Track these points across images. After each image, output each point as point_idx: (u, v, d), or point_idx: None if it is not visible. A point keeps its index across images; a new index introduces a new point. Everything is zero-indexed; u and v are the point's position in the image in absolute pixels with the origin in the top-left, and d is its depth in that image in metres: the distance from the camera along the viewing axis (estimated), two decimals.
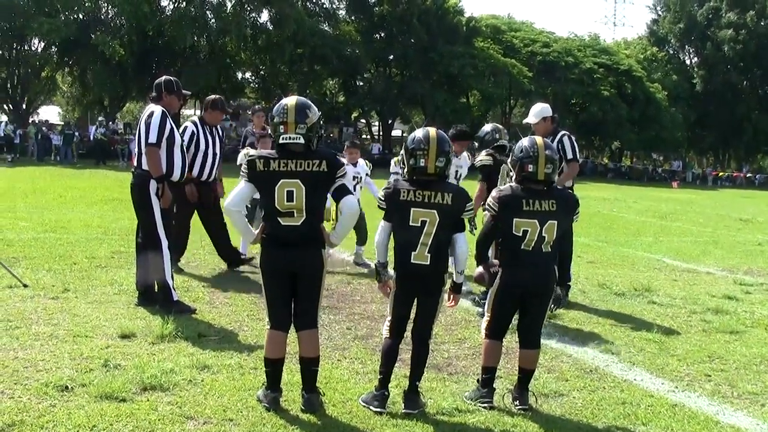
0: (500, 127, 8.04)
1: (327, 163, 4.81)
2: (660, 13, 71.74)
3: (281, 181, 4.75)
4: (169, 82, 7.64)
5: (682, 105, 62.38)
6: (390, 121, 55.84)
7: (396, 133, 59.59)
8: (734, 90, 64.88)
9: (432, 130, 5.09)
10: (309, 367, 4.91)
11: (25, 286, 7.89)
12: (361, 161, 10.52)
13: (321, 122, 4.96)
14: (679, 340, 7.40)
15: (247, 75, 54.43)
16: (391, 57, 53.85)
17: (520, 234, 5.12)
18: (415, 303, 5.19)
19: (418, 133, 5.12)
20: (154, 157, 7.24)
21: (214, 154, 9.34)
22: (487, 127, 8.04)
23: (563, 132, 8.63)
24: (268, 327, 4.97)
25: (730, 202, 33.28)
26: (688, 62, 71.48)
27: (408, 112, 57.22)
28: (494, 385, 5.37)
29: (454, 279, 5.18)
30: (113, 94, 45.72)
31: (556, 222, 5.14)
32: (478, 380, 5.44)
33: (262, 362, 5.57)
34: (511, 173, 5.46)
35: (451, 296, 5.22)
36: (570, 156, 8.52)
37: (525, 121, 8.85)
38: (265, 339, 5.00)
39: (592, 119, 55.36)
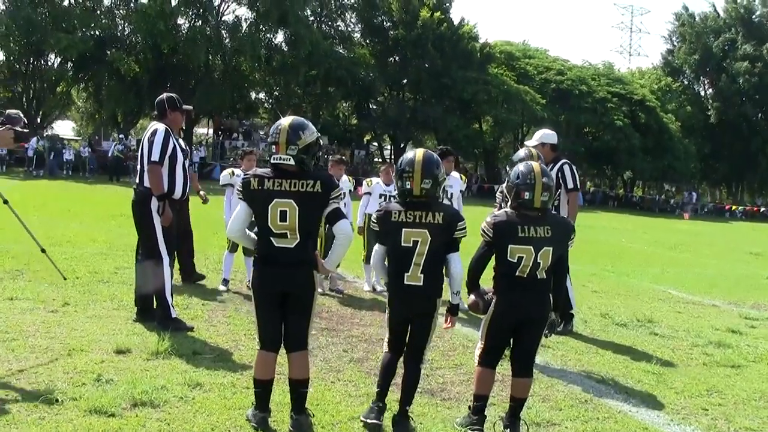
0: (534, 151, 7.95)
1: (321, 184, 4.79)
2: (675, 43, 71.85)
3: (275, 200, 4.74)
4: (171, 99, 7.67)
5: (695, 136, 62.40)
6: (402, 145, 55.94)
7: None
8: (749, 122, 64.74)
9: (419, 152, 5.13)
10: (297, 389, 4.89)
11: (65, 278, 8.13)
12: (344, 177, 10.51)
13: (320, 143, 4.95)
14: (678, 372, 7.33)
15: (261, 95, 54.68)
16: (405, 81, 54.07)
17: (515, 260, 5.06)
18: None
19: (408, 154, 5.16)
20: (157, 174, 7.26)
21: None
22: (521, 152, 7.99)
23: (564, 161, 8.61)
24: (258, 347, 4.95)
25: (741, 235, 33.13)
26: (702, 93, 71.42)
27: (420, 136, 57.36)
28: (486, 413, 5.31)
29: (450, 300, 5.16)
30: (127, 110, 46.11)
31: (551, 248, 5.09)
32: (469, 407, 5.38)
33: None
34: (506, 198, 5.44)
35: (448, 318, 5.20)
36: (570, 185, 8.50)
37: (526, 142, 8.83)
38: (255, 359, 4.98)
39: (604, 148, 55.35)
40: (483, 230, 5.19)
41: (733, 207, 59.47)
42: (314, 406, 5.23)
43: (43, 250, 7.83)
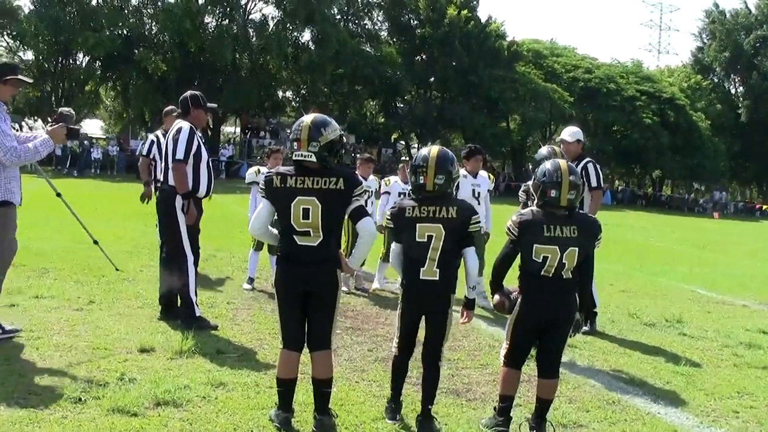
0: (557, 149, 7.83)
1: (344, 182, 4.74)
2: (705, 41, 71.22)
3: (297, 198, 4.71)
4: (194, 96, 7.62)
5: (725, 135, 61.77)
6: (429, 144, 55.79)
7: None
8: None
9: (435, 149, 5.13)
10: (321, 388, 4.84)
11: (117, 270, 8.08)
12: (372, 177, 10.47)
13: (343, 140, 4.90)
14: (708, 373, 7.20)
15: (288, 94, 54.80)
16: (432, 79, 54.00)
17: (540, 260, 4.99)
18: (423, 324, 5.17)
19: (423, 150, 5.17)
20: (181, 173, 7.23)
21: None
22: (544, 150, 7.89)
23: (588, 159, 8.50)
24: (281, 346, 4.92)
25: None
26: (733, 91, 70.70)
27: (447, 134, 57.25)
28: (511, 414, 5.25)
29: (467, 294, 5.14)
30: (155, 109, 46.27)
31: (576, 249, 5.00)
32: (495, 408, 5.32)
33: None
34: (532, 197, 5.36)
35: (464, 313, 5.17)
36: (594, 184, 8.40)
37: (558, 138, 8.73)
38: (279, 359, 4.94)
39: (633, 146, 54.95)
40: (508, 229, 5.13)
41: (764, 206, 58.79)
42: (338, 406, 5.18)
43: (95, 242, 7.82)
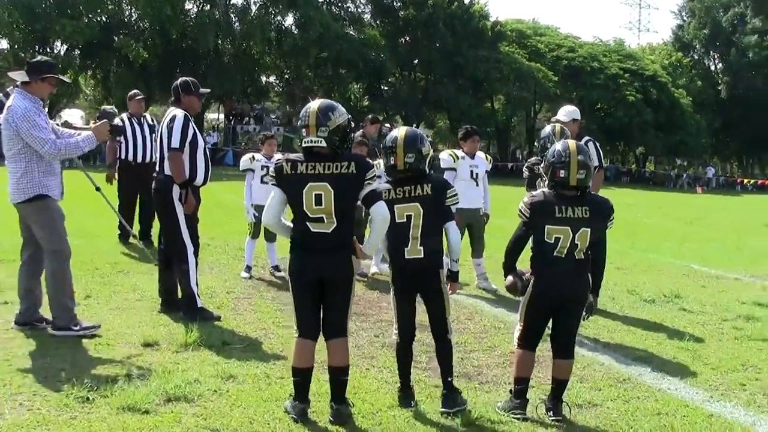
0: (558, 126, 7.76)
1: (356, 166, 4.70)
2: (685, 18, 71.25)
3: (309, 184, 4.65)
4: (185, 83, 7.49)
5: (706, 111, 61.89)
6: (414, 125, 55.71)
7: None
8: (759, 96, 64.07)
9: (403, 129, 5.21)
10: (338, 377, 4.78)
11: (156, 265, 7.92)
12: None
13: (351, 125, 4.85)
14: (711, 348, 7.22)
15: (272, 79, 54.45)
16: (416, 61, 53.69)
17: (552, 241, 5.00)
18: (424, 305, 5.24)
19: (393, 132, 5.23)
20: (178, 161, 7.10)
21: (143, 137, 11.16)
22: (548, 128, 7.81)
23: (588, 138, 8.43)
24: (296, 335, 4.84)
25: (755, 209, 32.80)
26: (713, 68, 70.88)
27: (432, 116, 57.09)
28: (527, 396, 5.24)
29: (450, 267, 5.23)
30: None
31: (589, 229, 5.01)
32: (510, 390, 5.31)
33: (288, 371, 5.46)
34: (544, 178, 5.33)
35: (449, 284, 5.24)
36: (595, 163, 8.35)
37: (554, 118, 8.68)
38: (293, 348, 4.86)
39: (617, 124, 54.92)
40: (520, 211, 5.14)
41: (745, 180, 59.08)
42: (351, 395, 5.10)
43: (134, 236, 7.68)
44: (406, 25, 52.75)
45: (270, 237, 9.91)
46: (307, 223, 4.70)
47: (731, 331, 7.94)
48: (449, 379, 5.14)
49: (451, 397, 5.09)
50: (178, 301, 7.37)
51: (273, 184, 4.78)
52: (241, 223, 14.13)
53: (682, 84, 61.07)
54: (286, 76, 52.70)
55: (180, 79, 7.54)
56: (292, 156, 4.77)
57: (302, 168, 4.67)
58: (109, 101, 48.72)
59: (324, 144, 4.67)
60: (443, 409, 5.04)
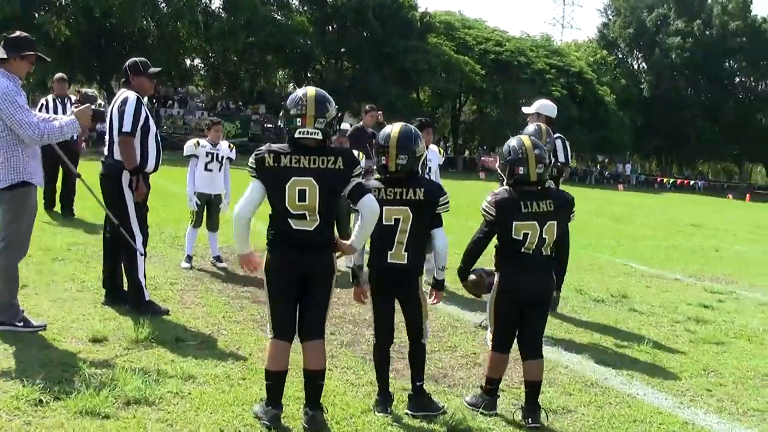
0: (543, 128, 7.59)
1: (343, 161, 4.39)
2: (610, 17, 72.51)
3: (293, 179, 4.32)
4: (134, 63, 7.04)
5: (629, 109, 63.09)
6: (340, 114, 55.38)
7: (345, 126, 58.99)
8: (680, 97, 65.90)
9: (397, 127, 4.91)
10: (315, 381, 4.51)
11: (143, 255, 7.05)
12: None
13: (338, 116, 4.55)
14: (670, 351, 7.21)
15: (197, 62, 53.43)
16: (344, 49, 53.40)
17: (521, 237, 4.91)
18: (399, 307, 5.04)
19: (386, 129, 4.95)
20: (129, 147, 6.68)
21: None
22: (530, 128, 7.63)
23: (558, 135, 8.34)
24: (271, 336, 4.53)
25: (676, 207, 33.55)
26: (636, 67, 72.34)
27: (359, 105, 56.78)
28: (498, 393, 5.22)
29: (435, 276, 5.02)
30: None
31: (555, 222, 4.97)
32: (481, 386, 5.24)
33: (249, 371, 5.23)
34: (501, 177, 5.20)
35: (434, 293, 5.06)
36: (562, 159, 8.31)
37: (524, 109, 8.59)
38: (267, 349, 4.55)
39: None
40: (484, 210, 5.01)
41: (665, 179, 60.47)
42: None
43: (118, 226, 7.06)
44: (334, 12, 52.49)
45: (212, 226, 9.56)
46: (289, 220, 4.38)
47: (685, 334, 7.97)
48: (419, 383, 4.97)
49: (418, 401, 4.92)
50: (124, 293, 6.98)
51: (252, 176, 4.43)
52: (175, 209, 13.75)
53: (606, 81, 62.13)
54: (212, 60, 51.79)
55: (129, 60, 7.11)
56: (275, 146, 4.43)
57: (286, 160, 4.34)
58: (29, 81, 47.15)
59: (320, 137, 4.37)
60: (409, 411, 4.89)
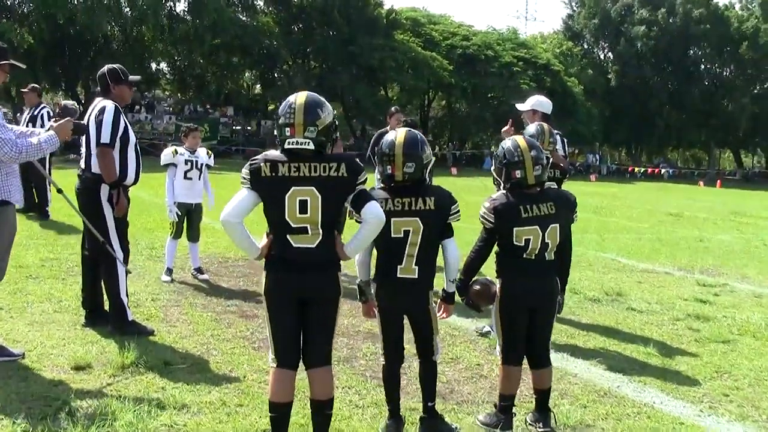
0: (546, 127, 7.29)
1: (346, 168, 4.00)
2: (575, 8, 72.65)
3: (293, 189, 3.93)
4: (113, 71, 6.66)
5: (597, 99, 63.21)
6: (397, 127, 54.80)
7: None
8: (647, 85, 66.04)
9: (401, 133, 4.54)
10: (323, 411, 4.14)
11: (128, 272, 6.70)
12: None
13: (336, 123, 4.16)
14: (677, 353, 6.94)
15: (162, 66, 52.75)
16: (310, 49, 52.99)
17: (522, 243, 4.66)
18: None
19: (389, 136, 4.60)
20: (108, 158, 6.27)
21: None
22: (531, 128, 7.33)
23: (556, 132, 8.05)
24: (273, 365, 4.12)
25: (651, 196, 33.53)
26: (602, 57, 72.55)
27: None
28: (514, 411, 4.91)
29: (445, 288, 4.68)
30: (21, 84, 43.56)
31: (557, 225, 4.71)
32: (495, 405, 4.96)
33: (246, 396, 4.91)
34: (497, 182, 4.92)
35: (442, 307, 4.73)
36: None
37: (518, 106, 8.31)
38: (270, 379, 4.15)
39: (511, 112, 55.35)
40: (482, 217, 4.74)
41: (635, 169, 60.66)
42: None
43: (103, 243, 6.65)
44: (299, 12, 52.09)
45: (193, 236, 9.17)
46: (288, 237, 3.99)
47: (688, 333, 7.72)
48: (430, 404, 4.66)
49: (431, 423, 4.63)
50: (105, 313, 6.58)
51: (246, 187, 4.00)
52: (147, 218, 13.34)
53: (573, 72, 62.16)
54: (178, 64, 51.16)
55: (106, 67, 6.71)
56: (271, 154, 4.04)
57: (284, 169, 3.95)
58: None
59: (311, 146, 3.97)
60: None
